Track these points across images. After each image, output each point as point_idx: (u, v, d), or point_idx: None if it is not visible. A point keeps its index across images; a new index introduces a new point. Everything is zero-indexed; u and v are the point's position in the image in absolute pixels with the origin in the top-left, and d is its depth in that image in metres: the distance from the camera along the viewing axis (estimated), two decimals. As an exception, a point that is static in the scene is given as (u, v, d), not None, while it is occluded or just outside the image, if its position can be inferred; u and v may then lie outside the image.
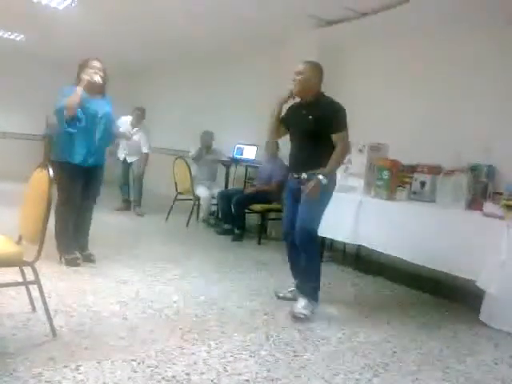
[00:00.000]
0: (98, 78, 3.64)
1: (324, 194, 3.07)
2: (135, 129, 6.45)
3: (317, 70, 3.20)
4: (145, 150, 6.48)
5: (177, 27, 5.99)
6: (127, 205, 6.63)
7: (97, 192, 3.94)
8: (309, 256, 3.13)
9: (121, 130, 6.41)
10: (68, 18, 5.83)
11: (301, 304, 3.09)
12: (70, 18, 5.80)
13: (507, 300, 3.12)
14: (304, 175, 3.12)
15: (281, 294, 3.42)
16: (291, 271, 3.41)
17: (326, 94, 3.22)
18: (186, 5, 5.02)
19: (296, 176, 3.20)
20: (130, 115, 6.49)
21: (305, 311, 3.04)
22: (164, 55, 7.99)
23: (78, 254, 3.82)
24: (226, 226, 5.57)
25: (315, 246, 3.17)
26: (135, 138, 6.44)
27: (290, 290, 3.40)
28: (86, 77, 3.59)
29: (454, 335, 3.07)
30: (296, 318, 3.02)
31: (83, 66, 3.68)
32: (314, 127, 3.07)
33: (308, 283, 3.14)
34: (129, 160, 6.59)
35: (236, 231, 5.39)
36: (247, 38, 6.13)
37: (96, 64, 3.68)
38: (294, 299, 3.24)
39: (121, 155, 6.63)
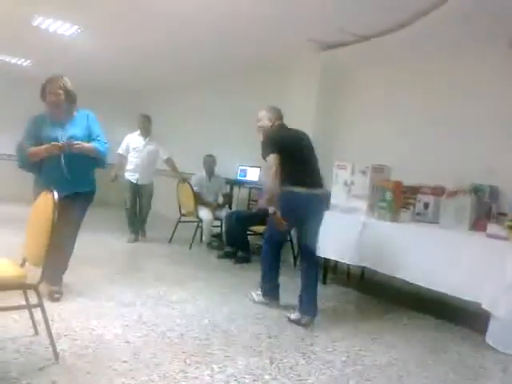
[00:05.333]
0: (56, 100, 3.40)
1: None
2: (147, 138, 6.05)
3: (269, 112, 3.72)
4: (166, 155, 6.10)
5: (178, 54, 6.12)
6: (137, 235, 6.13)
7: (78, 220, 3.52)
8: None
9: (132, 146, 5.96)
10: (74, 44, 5.96)
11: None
12: (76, 43, 5.93)
13: (514, 322, 3.09)
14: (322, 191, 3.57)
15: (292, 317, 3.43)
16: (275, 272, 3.79)
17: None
18: (187, 33, 5.14)
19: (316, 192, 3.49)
20: (136, 129, 6.11)
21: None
22: (165, 80, 8.11)
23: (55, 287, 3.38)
24: (228, 249, 5.51)
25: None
26: (150, 148, 6.03)
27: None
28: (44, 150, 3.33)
29: (460, 359, 3.03)
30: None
31: (44, 88, 3.42)
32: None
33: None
34: (140, 182, 6.01)
35: (239, 254, 5.36)
36: (248, 62, 6.22)
37: (51, 89, 3.38)
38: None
39: (131, 177, 6.02)
